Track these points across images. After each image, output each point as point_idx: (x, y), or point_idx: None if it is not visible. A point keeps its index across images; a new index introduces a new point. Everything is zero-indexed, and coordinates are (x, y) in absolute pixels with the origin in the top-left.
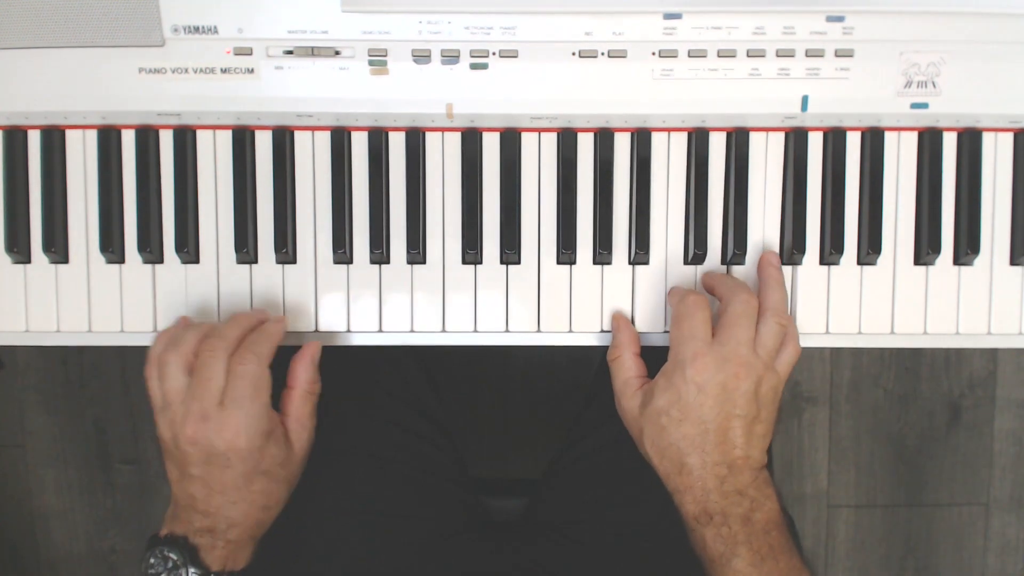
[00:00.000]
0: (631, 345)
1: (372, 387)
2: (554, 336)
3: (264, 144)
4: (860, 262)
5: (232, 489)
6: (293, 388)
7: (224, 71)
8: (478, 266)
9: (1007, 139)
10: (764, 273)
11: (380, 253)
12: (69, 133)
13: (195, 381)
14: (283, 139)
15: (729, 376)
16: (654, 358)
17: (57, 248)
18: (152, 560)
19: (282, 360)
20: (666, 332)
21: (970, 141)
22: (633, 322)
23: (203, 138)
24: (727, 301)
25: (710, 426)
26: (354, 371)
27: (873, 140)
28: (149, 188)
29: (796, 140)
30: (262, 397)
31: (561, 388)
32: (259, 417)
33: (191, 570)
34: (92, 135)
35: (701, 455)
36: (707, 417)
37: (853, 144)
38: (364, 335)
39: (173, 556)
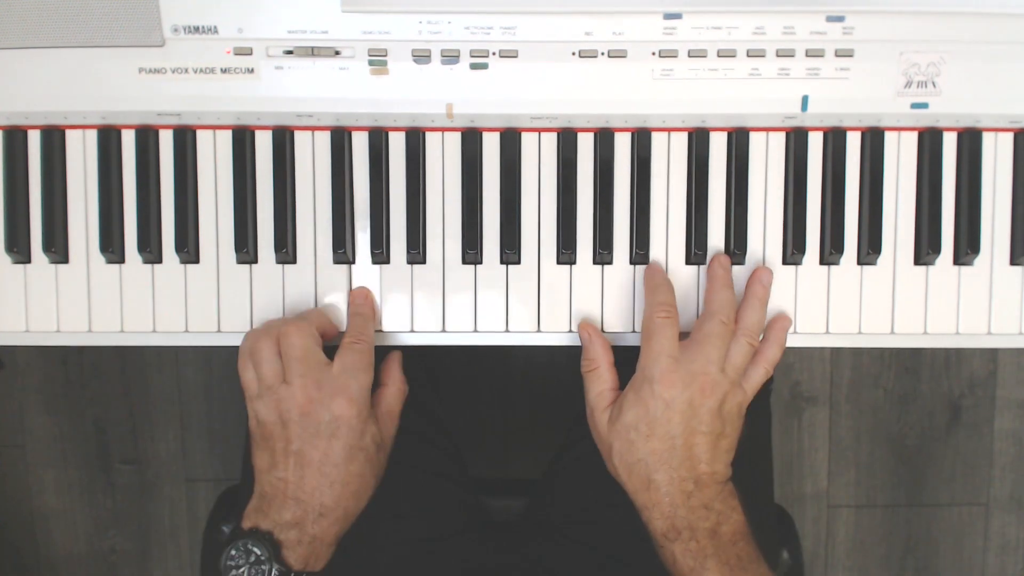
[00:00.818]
0: (606, 356)
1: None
2: (554, 336)
3: (264, 144)
4: (860, 262)
5: (332, 466)
6: (387, 385)
7: (224, 71)
8: (478, 266)
9: (1007, 139)
10: (750, 290)
11: (380, 253)
12: (69, 133)
13: (299, 357)
14: (283, 139)
15: (695, 393)
16: (628, 362)
17: (57, 248)
18: (234, 552)
19: None
20: None
21: (970, 141)
22: (633, 322)
23: (203, 138)
24: (707, 316)
25: (677, 441)
26: None
27: (873, 140)
28: (149, 188)
29: (796, 140)
30: (370, 373)
31: (561, 388)
32: (367, 390)
33: (275, 567)
34: (92, 135)
35: (668, 471)
36: (675, 432)
37: (853, 144)
38: None
39: (257, 551)
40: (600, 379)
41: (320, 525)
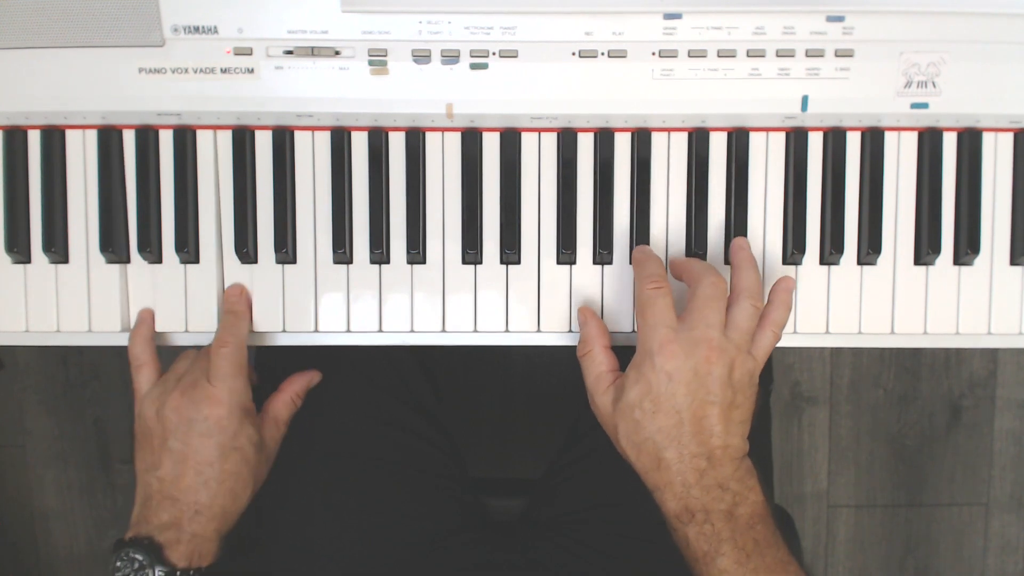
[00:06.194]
0: (600, 338)
1: (372, 387)
2: (554, 336)
3: (264, 144)
4: (860, 262)
5: (206, 464)
6: (282, 392)
7: (224, 71)
8: (478, 266)
9: (1007, 139)
10: (736, 257)
11: (380, 253)
12: (69, 133)
13: (182, 362)
14: (283, 139)
15: (700, 361)
16: (627, 355)
17: (57, 248)
18: (119, 563)
19: (275, 383)
20: None
21: (970, 141)
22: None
23: (203, 138)
24: (694, 285)
25: (684, 415)
26: (353, 371)
27: (873, 140)
28: (149, 188)
29: (796, 140)
30: (242, 375)
31: (561, 388)
32: (240, 393)
33: (157, 569)
34: (92, 135)
35: (678, 447)
36: (681, 406)
37: (853, 144)
38: (364, 335)
39: (139, 557)
40: (594, 362)
41: (198, 522)
